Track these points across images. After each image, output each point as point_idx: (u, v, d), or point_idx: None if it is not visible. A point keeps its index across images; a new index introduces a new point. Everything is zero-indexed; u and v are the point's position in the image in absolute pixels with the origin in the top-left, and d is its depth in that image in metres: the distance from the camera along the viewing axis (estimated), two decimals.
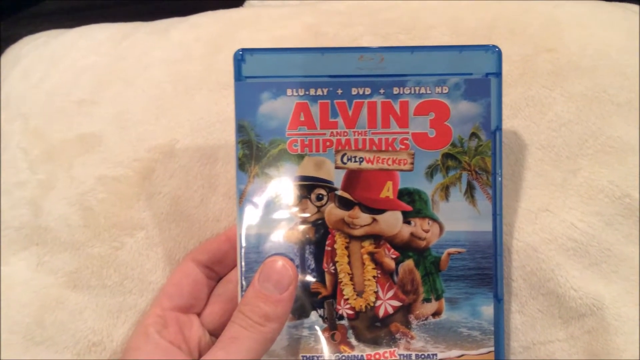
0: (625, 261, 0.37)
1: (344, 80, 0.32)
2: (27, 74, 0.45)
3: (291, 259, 0.32)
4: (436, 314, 0.33)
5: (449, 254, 0.32)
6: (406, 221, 0.32)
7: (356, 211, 0.32)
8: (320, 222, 0.33)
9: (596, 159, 0.38)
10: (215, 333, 0.36)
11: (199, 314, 0.36)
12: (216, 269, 0.36)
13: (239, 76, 0.32)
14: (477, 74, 0.32)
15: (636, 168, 0.38)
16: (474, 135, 0.32)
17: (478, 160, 0.32)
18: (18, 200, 0.40)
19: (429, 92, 0.32)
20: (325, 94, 0.32)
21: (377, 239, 0.32)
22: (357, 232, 0.33)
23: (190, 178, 0.39)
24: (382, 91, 0.32)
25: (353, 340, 0.33)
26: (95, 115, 0.42)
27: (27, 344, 0.38)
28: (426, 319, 0.33)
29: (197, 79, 0.42)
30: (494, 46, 0.32)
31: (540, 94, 0.39)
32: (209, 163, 0.39)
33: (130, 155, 0.40)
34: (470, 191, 0.32)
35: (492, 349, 0.32)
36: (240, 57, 0.32)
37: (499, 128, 0.32)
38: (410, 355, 0.32)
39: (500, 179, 0.32)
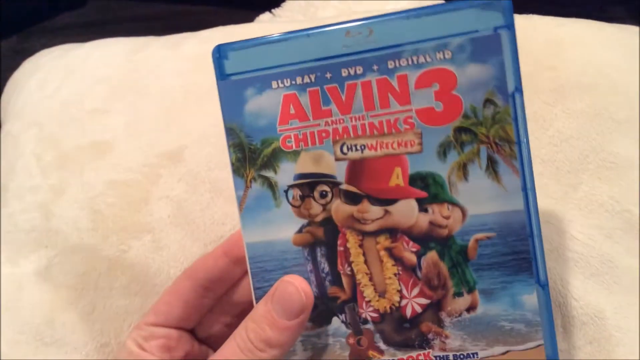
0: (627, 273, 0.36)
1: (331, 62, 0.29)
2: (43, 85, 0.47)
3: (307, 278, 0.30)
4: (471, 308, 0.29)
5: (477, 240, 0.28)
6: (422, 209, 0.29)
7: (365, 205, 0.29)
8: (328, 221, 0.30)
9: (597, 174, 0.39)
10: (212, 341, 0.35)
11: (191, 328, 0.35)
12: (214, 287, 0.34)
13: (221, 75, 0.30)
14: (484, 30, 0.27)
15: (636, 184, 0.38)
16: (488, 101, 0.28)
17: (497, 129, 0.28)
18: (30, 204, 0.42)
19: (429, 60, 0.28)
20: (313, 80, 0.29)
21: (392, 232, 0.29)
22: (370, 227, 0.29)
23: (198, 182, 0.39)
24: (375, 68, 0.28)
25: (382, 345, 0.30)
26: (107, 124, 0.43)
27: (36, 344, 0.38)
28: (460, 315, 0.29)
29: (207, 88, 0.42)
30: None
31: (542, 110, 0.40)
32: (216, 168, 0.39)
33: (140, 160, 0.41)
34: (492, 166, 0.28)
35: (541, 342, 0.28)
36: (221, 54, 0.30)
37: (518, 89, 0.27)
38: (447, 356, 0.29)
39: (527, 147, 0.28)
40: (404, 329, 0.29)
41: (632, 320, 0.36)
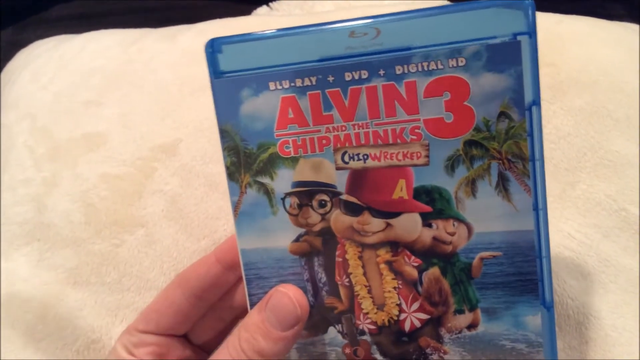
0: (623, 272, 0.36)
1: (334, 64, 0.26)
2: (37, 76, 0.46)
3: (302, 287, 0.28)
4: (472, 326, 0.28)
5: (482, 258, 0.27)
6: (426, 224, 0.27)
7: (366, 217, 0.28)
8: (326, 231, 0.28)
9: (595, 172, 0.38)
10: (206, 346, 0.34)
11: (183, 334, 0.34)
12: (207, 295, 0.32)
13: (215, 72, 0.28)
14: (502, 36, 0.25)
15: (633, 182, 0.38)
16: (503, 114, 0.25)
17: (510, 145, 0.26)
18: (22, 197, 0.41)
19: (440, 67, 0.25)
20: (314, 83, 0.27)
21: (394, 246, 0.28)
22: (370, 239, 0.28)
23: (192, 177, 0.37)
24: (382, 72, 0.26)
25: (378, 356, 0.29)
26: (101, 116, 0.42)
27: (27, 339, 0.38)
28: (460, 332, 0.28)
29: (202, 81, 0.40)
30: None
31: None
32: (210, 162, 0.37)
33: (134, 153, 0.39)
34: (502, 184, 0.26)
35: None
36: (215, 48, 0.27)
37: (536, 103, 0.25)
38: None
39: (541, 165, 0.26)
40: (402, 342, 0.29)
41: (629, 319, 0.35)
